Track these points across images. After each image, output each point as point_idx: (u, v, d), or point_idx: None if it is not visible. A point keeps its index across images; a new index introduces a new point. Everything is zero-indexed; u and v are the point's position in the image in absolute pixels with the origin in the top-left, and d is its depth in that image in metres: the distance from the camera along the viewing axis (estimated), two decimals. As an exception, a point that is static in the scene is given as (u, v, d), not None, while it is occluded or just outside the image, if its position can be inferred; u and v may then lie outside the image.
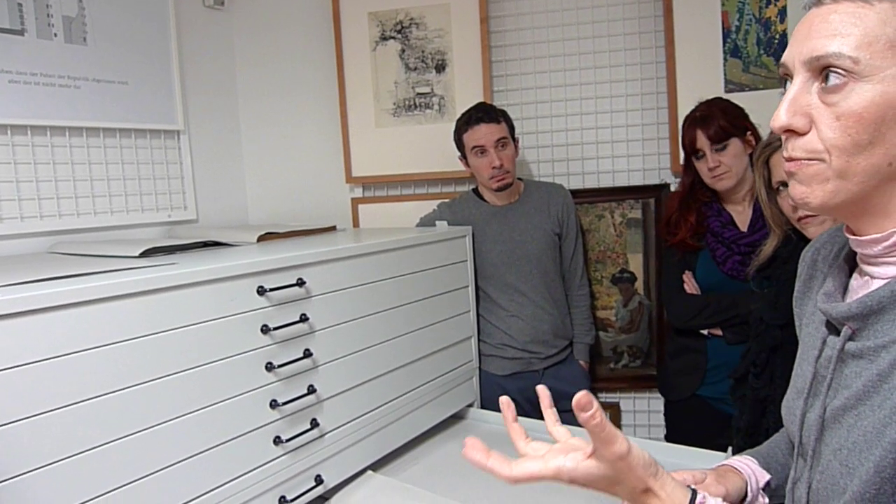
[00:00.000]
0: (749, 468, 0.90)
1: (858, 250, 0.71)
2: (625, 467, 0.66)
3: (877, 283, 0.69)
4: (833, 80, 0.63)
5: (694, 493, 0.69)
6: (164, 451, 1.10)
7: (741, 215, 1.82)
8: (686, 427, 1.88)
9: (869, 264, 0.70)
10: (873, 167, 0.63)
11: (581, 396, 0.62)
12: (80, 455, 0.99)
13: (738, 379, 1.55)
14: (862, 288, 0.71)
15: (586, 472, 0.67)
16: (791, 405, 0.80)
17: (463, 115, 2.05)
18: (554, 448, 0.71)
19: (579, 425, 0.64)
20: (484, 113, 2.01)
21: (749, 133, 1.79)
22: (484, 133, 1.99)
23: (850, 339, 0.70)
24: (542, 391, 0.77)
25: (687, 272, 1.86)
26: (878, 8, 0.61)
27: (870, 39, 0.61)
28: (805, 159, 0.66)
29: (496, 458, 0.70)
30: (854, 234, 0.70)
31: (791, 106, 0.66)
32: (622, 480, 0.67)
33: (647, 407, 2.33)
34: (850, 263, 0.75)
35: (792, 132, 0.67)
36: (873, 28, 0.61)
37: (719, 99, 1.83)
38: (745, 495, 0.88)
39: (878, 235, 0.67)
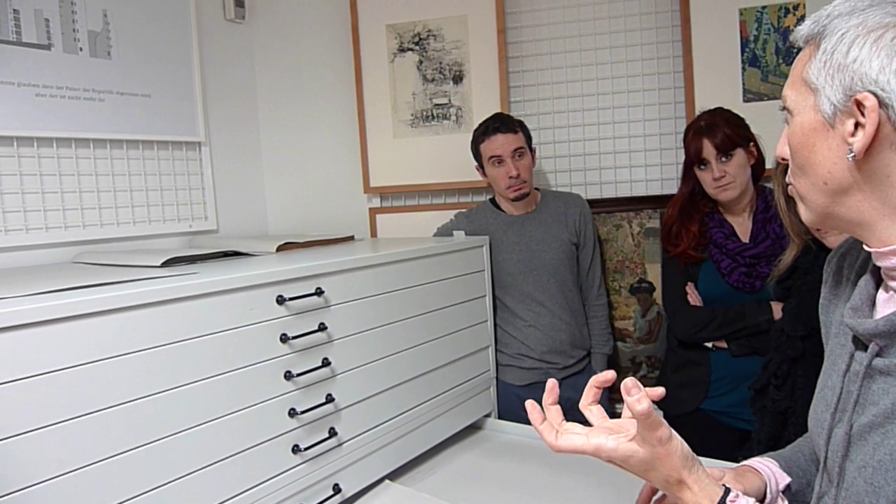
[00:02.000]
0: (769, 469, 0.89)
1: (879, 264, 0.71)
2: (663, 453, 0.71)
3: None
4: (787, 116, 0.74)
5: (727, 490, 0.72)
6: (184, 459, 1.12)
7: (741, 226, 1.81)
8: (690, 442, 1.85)
9: (893, 279, 0.70)
10: (814, 186, 0.71)
11: (628, 381, 0.71)
12: (101, 462, 1.00)
13: (759, 390, 1.53)
14: (888, 302, 0.71)
15: (625, 453, 0.73)
16: (819, 417, 0.79)
17: (480, 125, 2.06)
18: (599, 426, 0.78)
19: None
20: (501, 123, 2.01)
21: (752, 144, 1.77)
22: (501, 143, 1.99)
23: (878, 355, 0.70)
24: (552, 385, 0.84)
25: (690, 284, 1.84)
26: (803, 52, 0.71)
27: (794, 80, 0.72)
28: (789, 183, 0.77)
29: (547, 424, 0.79)
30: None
31: (784, 138, 0.76)
32: (657, 467, 0.72)
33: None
34: (878, 275, 0.75)
35: (786, 159, 0.76)
36: (797, 69, 0.71)
37: (722, 109, 1.82)
38: (764, 497, 0.87)
39: (894, 247, 0.67)
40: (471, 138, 2.09)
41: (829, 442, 0.75)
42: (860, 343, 0.73)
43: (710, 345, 1.81)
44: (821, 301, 0.87)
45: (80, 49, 1.80)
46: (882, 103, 0.63)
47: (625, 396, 0.70)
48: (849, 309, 0.75)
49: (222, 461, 1.17)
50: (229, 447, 1.19)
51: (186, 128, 2.10)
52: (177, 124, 2.07)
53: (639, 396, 0.69)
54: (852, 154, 0.65)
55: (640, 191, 2.27)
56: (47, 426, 0.94)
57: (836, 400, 0.75)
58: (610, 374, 0.80)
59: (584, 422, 0.78)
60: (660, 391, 0.77)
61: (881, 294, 0.74)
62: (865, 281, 0.75)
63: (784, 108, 0.74)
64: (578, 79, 2.29)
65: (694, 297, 1.84)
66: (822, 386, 0.81)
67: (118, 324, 1.03)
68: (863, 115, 0.64)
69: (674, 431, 0.71)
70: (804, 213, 0.75)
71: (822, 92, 0.67)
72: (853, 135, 0.65)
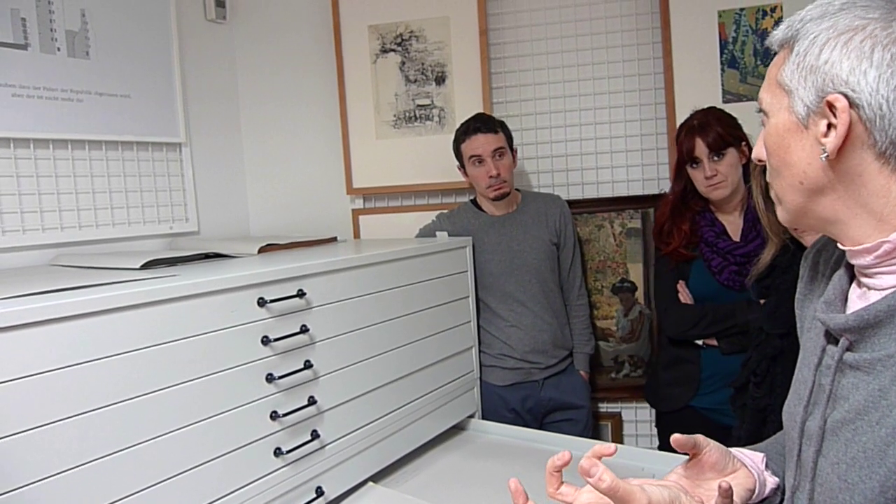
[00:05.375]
0: (759, 471, 0.89)
1: (852, 262, 0.73)
2: None
3: (875, 295, 0.69)
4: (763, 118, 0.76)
5: None
6: (165, 463, 1.11)
7: (733, 225, 1.82)
8: None
9: (865, 276, 0.71)
10: (791, 187, 0.72)
11: (583, 464, 0.69)
12: (80, 467, 0.99)
13: (739, 388, 1.55)
14: (861, 299, 0.72)
15: None
16: (792, 411, 0.80)
17: (461, 125, 2.07)
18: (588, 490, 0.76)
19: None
20: (482, 123, 2.02)
21: (744, 144, 1.79)
22: (482, 143, 2.00)
23: (849, 349, 0.71)
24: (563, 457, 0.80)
25: (681, 282, 1.86)
26: (778, 56, 0.73)
27: (769, 82, 0.73)
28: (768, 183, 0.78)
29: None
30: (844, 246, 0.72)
31: (761, 141, 0.77)
32: None
33: (648, 417, 2.33)
34: (851, 271, 0.76)
35: (762, 161, 0.77)
36: (772, 72, 0.73)
37: (714, 108, 1.84)
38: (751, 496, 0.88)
39: (869, 245, 0.68)
40: (453, 139, 2.09)
41: (802, 435, 0.76)
42: (832, 337, 0.74)
43: (700, 342, 1.83)
44: (797, 296, 0.88)
45: (58, 49, 1.78)
46: (853, 104, 0.64)
47: (586, 480, 0.68)
48: (822, 303, 0.76)
49: (203, 465, 1.16)
50: (210, 451, 1.18)
51: (167, 128, 2.08)
52: (157, 125, 2.05)
53: (599, 475, 0.67)
54: (825, 154, 0.66)
55: (621, 191, 2.29)
56: (23, 431, 0.93)
57: (809, 393, 0.76)
58: (567, 456, 0.78)
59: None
60: (611, 448, 0.77)
61: (854, 290, 0.75)
62: (839, 276, 0.77)
63: (760, 111, 0.75)
64: (560, 80, 2.30)
65: (685, 295, 1.85)
66: (795, 379, 0.82)
67: (96, 327, 1.02)
68: (834, 115, 0.65)
69: (649, 492, 0.70)
70: (781, 214, 0.76)
71: (796, 93, 0.68)
72: (826, 135, 0.66)
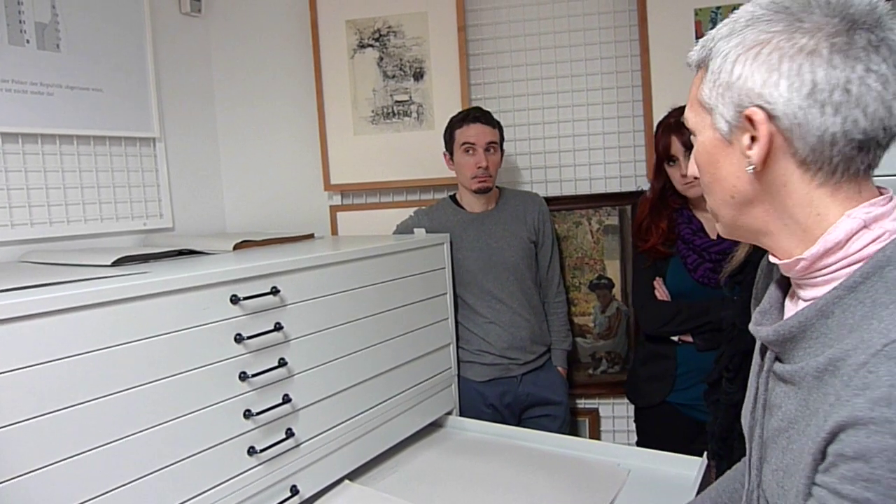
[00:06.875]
0: None
1: (785, 273, 0.74)
2: None
3: (801, 306, 0.71)
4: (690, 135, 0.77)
5: None
6: (136, 463, 1.09)
7: (710, 222, 1.84)
8: (656, 433, 1.89)
9: (797, 286, 0.73)
10: (723, 201, 0.74)
11: None
12: (48, 467, 0.97)
13: (712, 384, 1.56)
14: (795, 308, 0.74)
15: None
16: (746, 416, 0.82)
17: (460, 112, 2.08)
18: None
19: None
20: (482, 114, 2.04)
21: None
22: (477, 132, 2.01)
23: (778, 359, 0.73)
24: None
25: (658, 279, 1.87)
26: (696, 76, 0.75)
27: (691, 102, 0.75)
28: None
29: None
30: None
31: (692, 159, 0.79)
32: None
33: (626, 413, 2.34)
34: (784, 281, 0.78)
35: (697, 178, 0.79)
36: (692, 92, 0.75)
37: None
38: None
39: (788, 262, 0.70)
40: (446, 125, 2.08)
41: (752, 440, 0.78)
42: (765, 347, 0.76)
43: (675, 339, 1.84)
44: (752, 299, 0.90)
45: (27, 41, 1.74)
46: (770, 115, 0.65)
47: None
48: (757, 313, 0.78)
49: (175, 464, 1.15)
50: (182, 450, 1.16)
51: (140, 123, 2.05)
52: (130, 119, 2.01)
53: None
54: (752, 167, 0.68)
55: (599, 188, 2.30)
56: (-13, 432, 0.91)
57: (753, 400, 0.78)
58: None
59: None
60: None
61: (788, 300, 0.76)
62: (774, 287, 0.78)
63: (688, 130, 0.77)
64: (538, 77, 2.30)
65: (661, 292, 1.86)
66: (748, 384, 0.84)
67: (65, 325, 1.00)
68: (755, 129, 0.66)
69: None
70: (719, 228, 0.78)
71: (717, 111, 0.70)
72: (750, 148, 0.67)
